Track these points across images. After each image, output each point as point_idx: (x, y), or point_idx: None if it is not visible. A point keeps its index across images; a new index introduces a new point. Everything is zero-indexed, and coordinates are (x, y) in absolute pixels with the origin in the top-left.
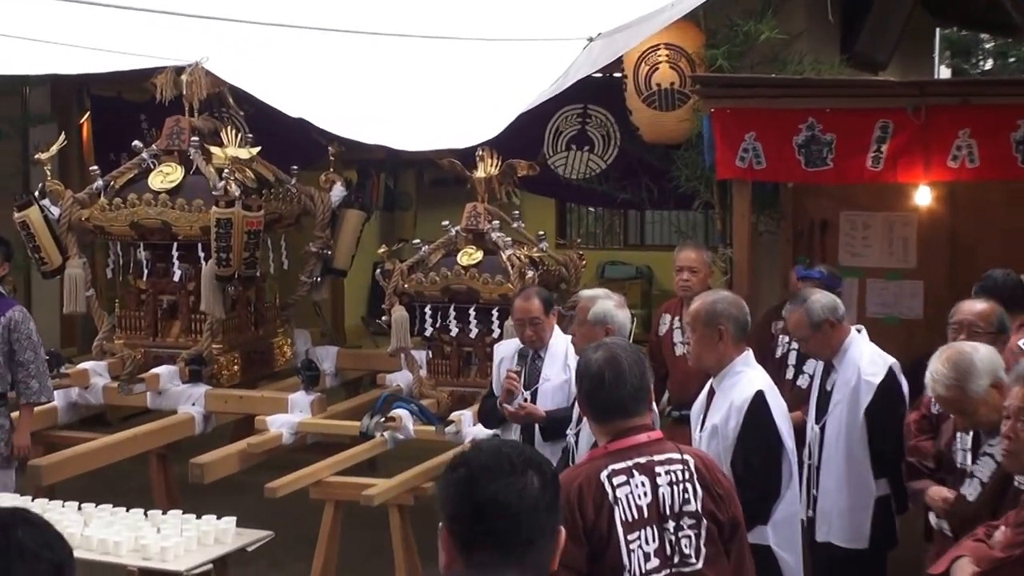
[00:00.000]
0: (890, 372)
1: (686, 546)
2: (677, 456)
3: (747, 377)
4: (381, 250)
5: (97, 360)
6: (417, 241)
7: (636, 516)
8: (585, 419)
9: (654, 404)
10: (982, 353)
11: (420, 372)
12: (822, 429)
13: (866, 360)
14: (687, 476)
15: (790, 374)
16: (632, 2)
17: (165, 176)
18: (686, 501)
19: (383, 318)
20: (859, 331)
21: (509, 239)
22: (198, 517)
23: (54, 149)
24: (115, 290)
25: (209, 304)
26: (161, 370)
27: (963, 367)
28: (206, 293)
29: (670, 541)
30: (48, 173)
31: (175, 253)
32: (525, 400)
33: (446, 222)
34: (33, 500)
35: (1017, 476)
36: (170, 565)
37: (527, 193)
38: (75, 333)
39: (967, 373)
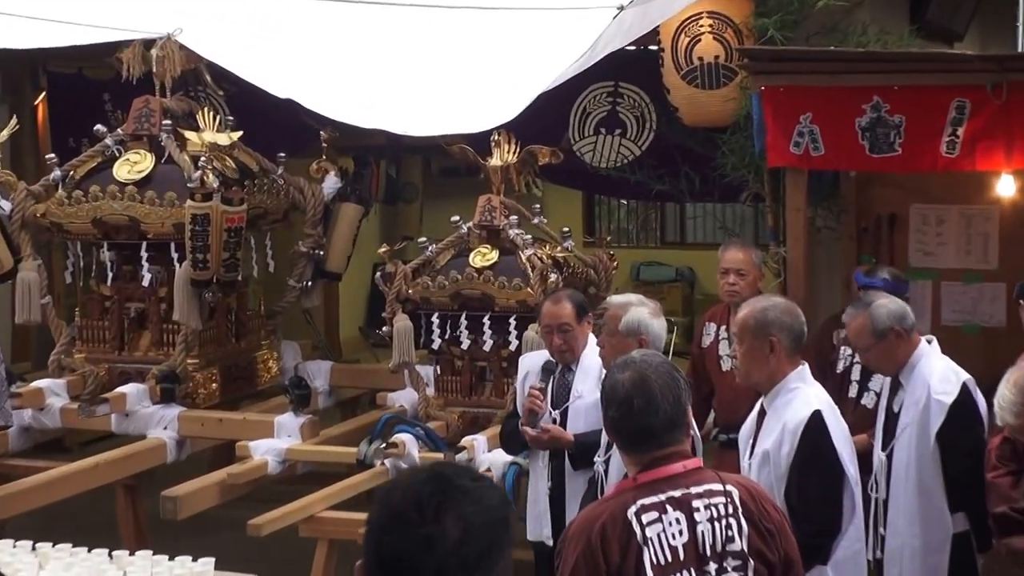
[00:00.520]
0: (964, 390)
1: None
2: (719, 487)
3: (803, 395)
4: (381, 250)
5: (54, 377)
6: (423, 239)
7: (670, 559)
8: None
9: (695, 427)
10: None
11: (426, 390)
12: (889, 456)
13: (937, 376)
14: (730, 510)
15: (853, 391)
16: None
17: (132, 165)
18: (729, 539)
19: (384, 328)
20: (930, 343)
21: (529, 237)
22: (171, 559)
23: (4, 134)
24: (75, 297)
25: (183, 313)
26: (128, 389)
27: None
28: (180, 300)
29: None
30: None
31: (144, 254)
32: (554, 421)
33: (456, 217)
34: None
35: None
36: None
37: (550, 184)
38: (28, 346)
39: None
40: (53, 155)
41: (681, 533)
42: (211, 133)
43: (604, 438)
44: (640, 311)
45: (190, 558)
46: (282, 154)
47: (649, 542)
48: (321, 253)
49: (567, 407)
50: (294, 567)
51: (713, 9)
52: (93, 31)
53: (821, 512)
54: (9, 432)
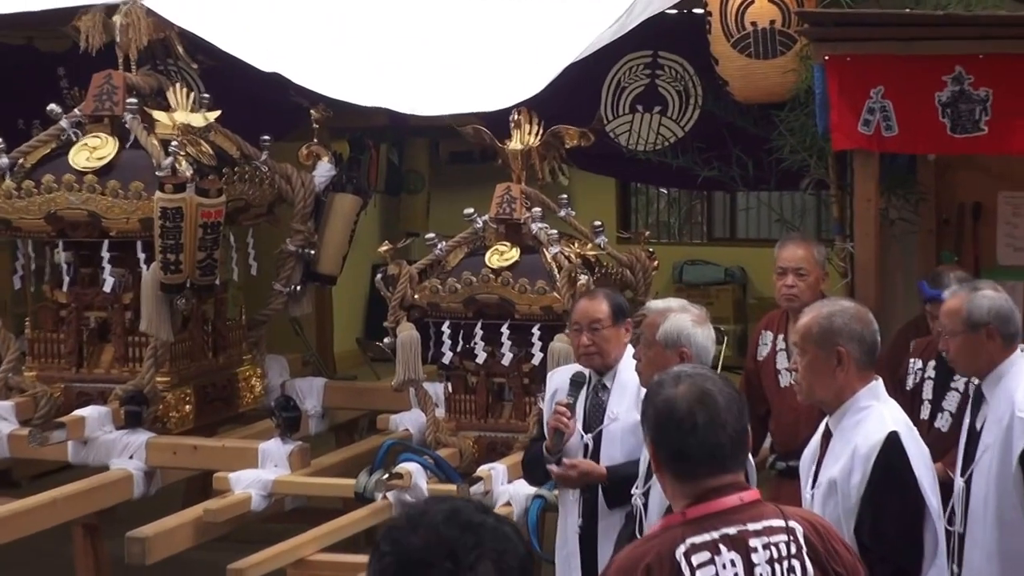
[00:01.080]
0: None
1: None
2: (780, 523)
3: (876, 414)
4: (382, 248)
5: (0, 399)
6: (431, 236)
7: None
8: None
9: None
10: None
11: (436, 412)
12: (968, 483)
13: (1022, 391)
14: (793, 550)
15: (925, 412)
16: None
17: (92, 151)
18: None
19: (385, 340)
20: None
21: (555, 232)
22: None
23: None
24: (25, 305)
25: (152, 323)
26: (87, 412)
27: None
28: (148, 308)
29: None
30: None
31: (106, 254)
32: (585, 447)
33: (470, 210)
34: None
35: None
36: None
37: (579, 171)
38: None
39: None
40: None
41: None
42: (184, 113)
43: (644, 466)
44: (682, 318)
45: None
46: (266, 137)
47: None
48: (312, 252)
49: (600, 431)
50: None
51: None
52: None
53: (898, 551)
54: None
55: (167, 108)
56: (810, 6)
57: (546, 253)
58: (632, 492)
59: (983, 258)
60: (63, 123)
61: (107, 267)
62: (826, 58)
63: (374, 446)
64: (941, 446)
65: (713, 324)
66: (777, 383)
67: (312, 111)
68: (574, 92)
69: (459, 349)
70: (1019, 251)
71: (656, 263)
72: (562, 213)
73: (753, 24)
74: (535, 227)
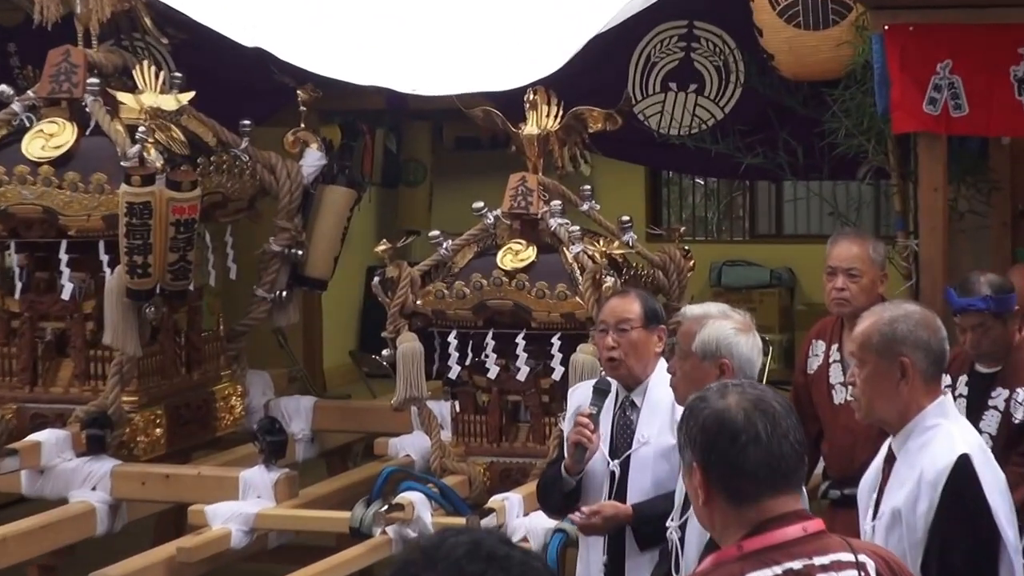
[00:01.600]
0: None
1: None
2: (849, 557)
3: (945, 435)
4: (380, 247)
5: None
6: (434, 233)
7: None
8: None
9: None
10: None
11: (441, 435)
12: None
13: None
14: None
15: None
16: None
17: (48, 139)
18: None
19: (383, 353)
20: None
21: (576, 229)
22: None
23: None
24: None
25: (116, 334)
26: (43, 437)
27: None
28: (112, 318)
29: None
30: None
31: (64, 257)
32: (612, 474)
33: (479, 203)
34: None
35: None
36: None
37: (603, 158)
38: None
39: None
40: None
41: None
42: (152, 95)
43: (680, 496)
44: (722, 325)
45: None
46: (247, 122)
47: None
48: (299, 253)
49: (629, 455)
50: None
51: None
52: None
53: None
54: None
55: (133, 89)
56: None
57: (567, 253)
58: (667, 525)
59: None
60: (15, 107)
61: (65, 271)
62: (886, 28)
63: (371, 474)
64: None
65: (758, 333)
66: (830, 400)
67: (299, 92)
68: (598, 68)
69: (468, 363)
70: None
71: (692, 264)
72: (585, 207)
73: None
74: (554, 223)
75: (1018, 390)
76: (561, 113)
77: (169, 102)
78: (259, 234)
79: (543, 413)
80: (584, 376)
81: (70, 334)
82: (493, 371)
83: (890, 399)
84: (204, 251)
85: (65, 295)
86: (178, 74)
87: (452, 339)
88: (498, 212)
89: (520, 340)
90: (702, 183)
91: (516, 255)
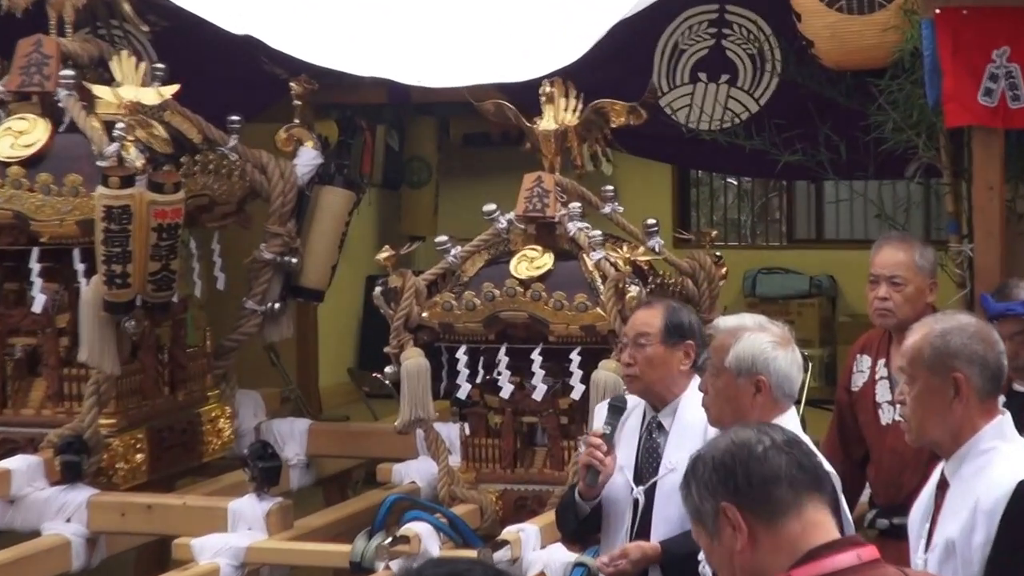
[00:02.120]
0: None
1: None
2: None
3: (1002, 458)
4: (381, 255)
5: None
6: (442, 239)
7: None
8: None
9: (845, 507)
10: None
11: (450, 460)
12: None
13: None
14: None
15: None
16: None
17: (17, 136)
18: None
19: (386, 370)
20: None
21: (598, 234)
22: None
23: None
24: None
25: (93, 351)
26: (13, 464)
27: None
28: (88, 333)
29: None
30: None
31: (35, 266)
32: (635, 501)
33: (490, 206)
34: None
35: None
36: None
37: (627, 156)
38: None
39: None
40: None
41: None
42: (132, 88)
43: None
44: (759, 339)
45: None
46: (236, 117)
47: None
48: (293, 261)
49: (655, 483)
50: None
51: None
52: None
53: None
54: None
55: (111, 82)
56: None
57: (587, 260)
58: (699, 559)
59: None
60: None
61: (37, 281)
62: (937, 11)
63: (373, 503)
64: None
65: (797, 347)
66: (877, 419)
67: (292, 84)
68: (621, 58)
69: (479, 381)
70: None
71: (725, 271)
72: (607, 209)
73: None
74: (573, 227)
75: None
76: (580, 107)
77: (150, 96)
78: (249, 240)
79: (561, 436)
80: (606, 395)
81: (42, 351)
82: (506, 390)
83: (942, 419)
84: (189, 259)
85: (36, 308)
86: (160, 65)
87: (461, 355)
88: (511, 215)
89: (536, 356)
90: (735, 183)
91: (531, 262)
